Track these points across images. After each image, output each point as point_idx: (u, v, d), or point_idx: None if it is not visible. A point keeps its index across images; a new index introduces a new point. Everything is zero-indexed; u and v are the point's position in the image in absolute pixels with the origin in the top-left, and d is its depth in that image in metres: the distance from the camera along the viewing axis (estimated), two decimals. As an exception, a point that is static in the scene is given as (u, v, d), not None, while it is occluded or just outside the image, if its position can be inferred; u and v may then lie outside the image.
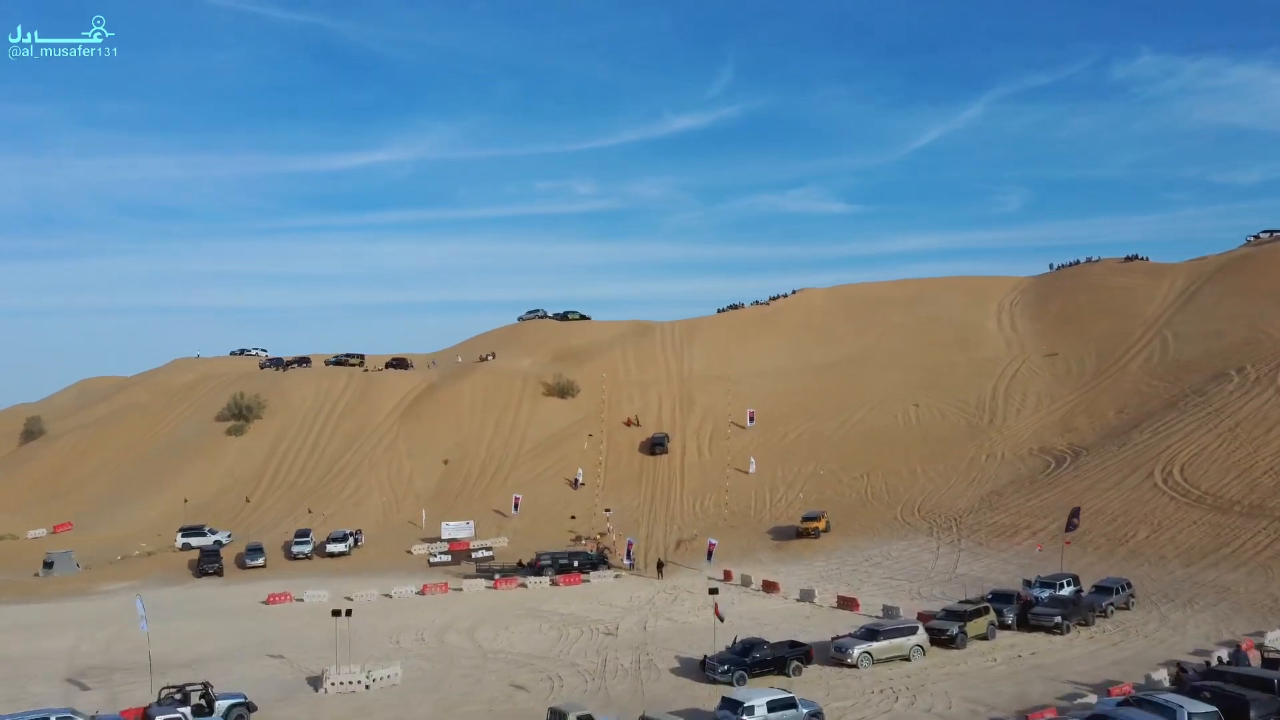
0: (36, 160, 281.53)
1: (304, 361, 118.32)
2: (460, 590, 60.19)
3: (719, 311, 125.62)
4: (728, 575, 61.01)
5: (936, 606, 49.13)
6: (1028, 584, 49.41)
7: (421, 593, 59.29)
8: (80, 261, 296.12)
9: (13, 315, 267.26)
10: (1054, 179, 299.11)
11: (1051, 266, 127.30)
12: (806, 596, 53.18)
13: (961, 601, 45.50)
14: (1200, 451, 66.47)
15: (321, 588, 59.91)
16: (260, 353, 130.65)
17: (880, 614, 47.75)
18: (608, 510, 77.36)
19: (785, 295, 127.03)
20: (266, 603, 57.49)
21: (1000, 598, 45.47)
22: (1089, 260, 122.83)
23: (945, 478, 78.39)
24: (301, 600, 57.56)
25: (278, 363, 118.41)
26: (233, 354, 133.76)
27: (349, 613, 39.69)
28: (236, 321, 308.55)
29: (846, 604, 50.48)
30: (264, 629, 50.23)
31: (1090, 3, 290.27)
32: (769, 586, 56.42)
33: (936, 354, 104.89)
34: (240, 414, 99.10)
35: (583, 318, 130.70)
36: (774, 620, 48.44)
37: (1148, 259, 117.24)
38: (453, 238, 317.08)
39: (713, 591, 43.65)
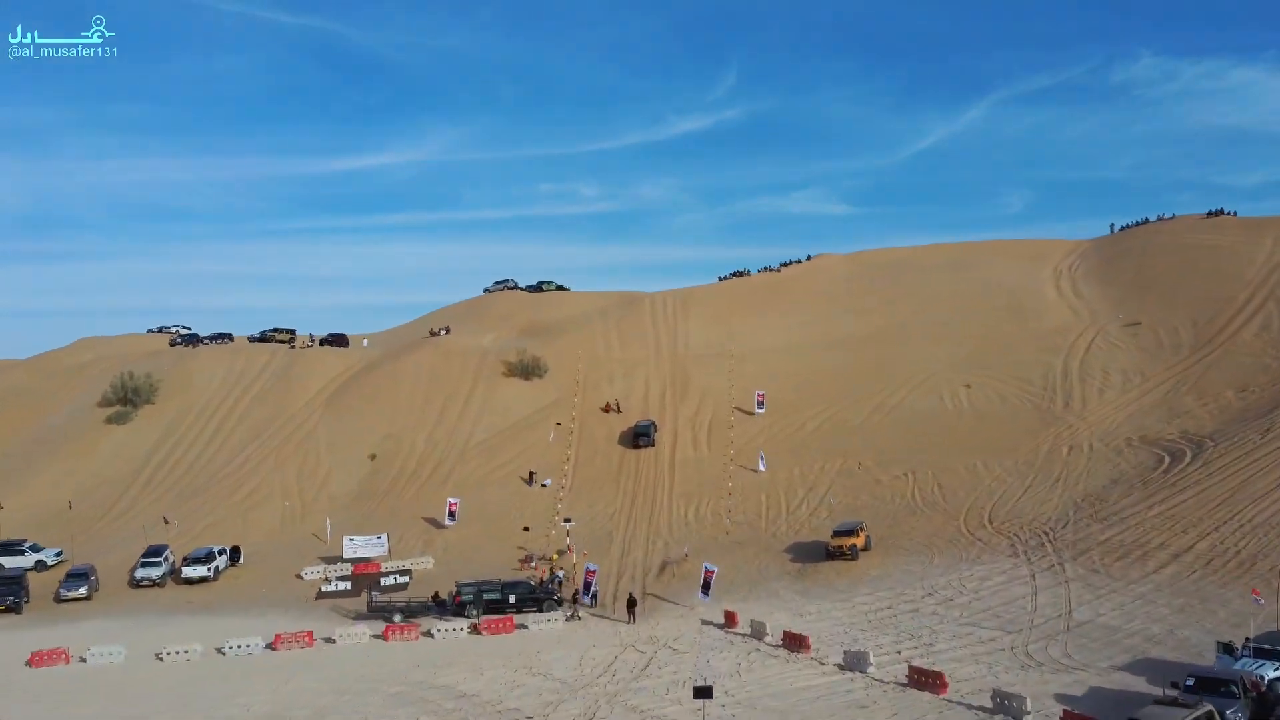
0: (39, 163, 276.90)
1: (224, 337, 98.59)
2: (333, 642, 40.59)
3: (720, 280, 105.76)
4: (731, 618, 41.41)
5: (1077, 686, 29.84)
6: (1227, 651, 29.86)
7: (272, 647, 39.71)
8: (84, 264, 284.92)
9: (14, 316, 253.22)
10: (1056, 180, 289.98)
11: (1113, 228, 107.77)
12: (856, 663, 33.45)
13: (1160, 700, 25.20)
14: (1396, 439, 47.02)
15: (125, 639, 40.34)
16: (179, 329, 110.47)
17: (990, 705, 28.22)
18: (568, 521, 57.56)
19: (799, 261, 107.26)
20: (30, 665, 37.95)
21: (1212, 685, 25.66)
22: (1160, 218, 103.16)
23: (1018, 476, 58.93)
24: (83, 661, 37.97)
25: (191, 339, 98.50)
26: (150, 331, 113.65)
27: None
28: (238, 322, 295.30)
29: (925, 681, 30.73)
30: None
31: (1090, 6, 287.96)
32: (793, 641, 36.81)
33: (987, 326, 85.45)
34: (126, 398, 79.58)
35: (560, 288, 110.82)
36: (810, 711, 28.91)
37: (1235, 214, 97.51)
38: (457, 239, 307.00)
39: (701, 694, 23.78)
